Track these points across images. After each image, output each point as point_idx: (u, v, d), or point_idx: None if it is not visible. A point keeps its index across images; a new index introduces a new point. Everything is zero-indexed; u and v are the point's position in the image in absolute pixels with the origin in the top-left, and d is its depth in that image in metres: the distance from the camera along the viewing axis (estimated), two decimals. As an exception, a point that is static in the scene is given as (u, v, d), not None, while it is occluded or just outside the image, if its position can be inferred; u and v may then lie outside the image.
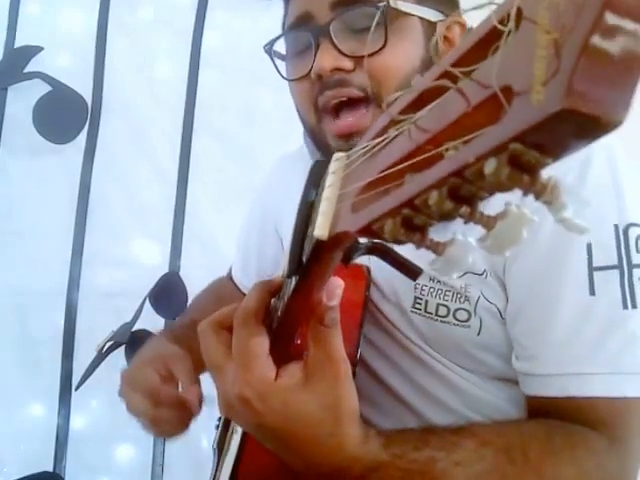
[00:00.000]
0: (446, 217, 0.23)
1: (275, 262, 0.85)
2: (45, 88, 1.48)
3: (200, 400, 0.64)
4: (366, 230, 0.27)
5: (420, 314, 0.61)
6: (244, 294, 0.94)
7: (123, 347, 1.43)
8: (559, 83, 0.18)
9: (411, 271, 0.39)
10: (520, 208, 0.21)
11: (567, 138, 0.19)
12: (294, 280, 0.40)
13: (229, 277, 0.96)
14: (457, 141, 0.22)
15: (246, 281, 0.91)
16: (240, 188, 1.44)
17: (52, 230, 1.49)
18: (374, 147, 0.30)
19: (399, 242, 0.26)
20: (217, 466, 0.77)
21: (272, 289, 0.46)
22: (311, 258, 0.37)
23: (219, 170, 1.51)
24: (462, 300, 0.59)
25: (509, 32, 0.21)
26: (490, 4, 0.23)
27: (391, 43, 0.60)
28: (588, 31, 0.17)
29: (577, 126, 0.18)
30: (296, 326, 0.44)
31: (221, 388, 0.43)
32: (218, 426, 0.87)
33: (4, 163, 1.51)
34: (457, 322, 0.60)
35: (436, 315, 0.60)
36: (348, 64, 0.60)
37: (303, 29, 0.63)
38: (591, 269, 0.53)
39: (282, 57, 0.69)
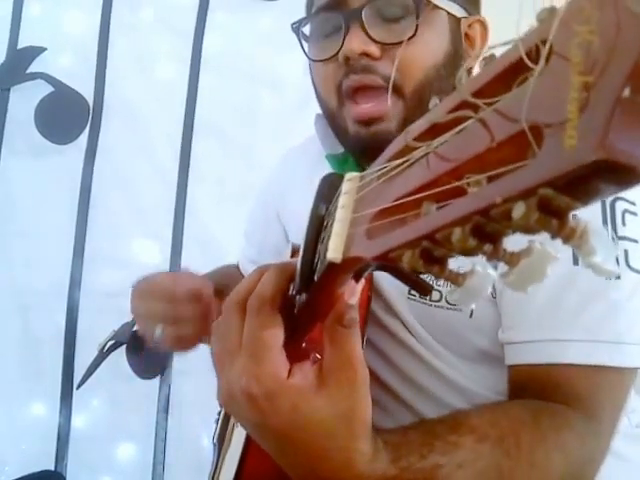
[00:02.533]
0: (468, 254, 0.23)
1: (277, 251, 0.86)
2: (47, 89, 1.49)
3: (213, 290, 0.62)
4: (383, 258, 0.27)
5: (415, 300, 0.62)
6: None
7: (124, 346, 1.44)
8: (594, 131, 0.17)
9: (422, 287, 0.38)
10: (544, 245, 0.21)
11: (600, 184, 0.18)
12: (304, 295, 0.39)
13: (236, 267, 0.97)
14: (480, 175, 0.22)
15: (250, 269, 0.92)
16: (240, 188, 1.45)
17: (53, 230, 1.50)
18: (390, 171, 0.29)
19: (417, 272, 0.25)
20: (217, 461, 0.77)
21: (290, 273, 0.43)
22: (322, 277, 0.36)
23: (219, 170, 1.52)
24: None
25: (536, 71, 0.20)
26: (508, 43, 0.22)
27: (420, 34, 0.61)
28: (624, 79, 0.17)
29: (611, 174, 0.18)
30: (303, 339, 0.43)
31: (225, 378, 0.39)
32: (218, 420, 0.88)
33: (6, 163, 1.51)
34: (450, 306, 0.60)
35: (430, 300, 0.61)
36: (376, 50, 0.61)
37: (335, 11, 0.64)
38: None
39: (307, 39, 0.71)
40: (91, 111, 1.51)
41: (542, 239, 0.21)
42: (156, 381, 1.46)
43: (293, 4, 1.64)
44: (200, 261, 1.48)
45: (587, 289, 0.54)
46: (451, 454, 0.44)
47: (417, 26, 0.60)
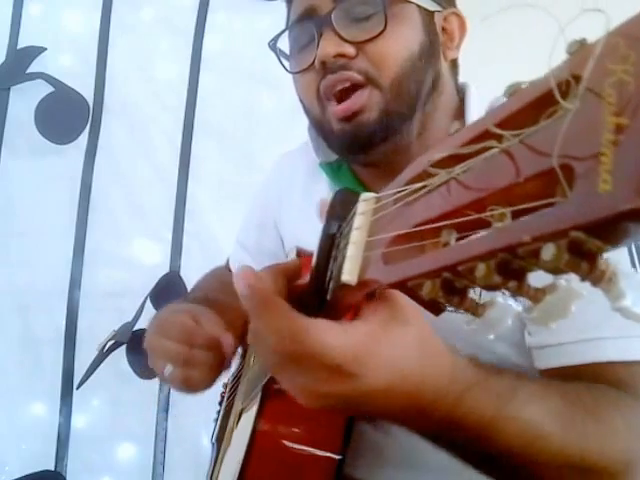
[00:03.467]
0: (491, 289, 0.22)
1: (273, 257, 0.86)
2: (47, 89, 1.49)
3: (233, 344, 0.61)
4: (400, 286, 0.27)
5: None
6: None
7: (124, 346, 1.44)
8: (629, 177, 0.17)
9: (435, 307, 0.39)
10: (569, 283, 0.21)
11: (632, 229, 0.18)
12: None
13: (227, 268, 0.97)
14: (505, 209, 0.21)
15: None
16: (240, 188, 1.44)
17: (53, 230, 1.50)
18: (407, 195, 0.29)
19: (436, 302, 0.25)
20: (216, 460, 0.77)
21: (288, 273, 0.42)
22: (334, 298, 0.36)
23: (219, 170, 1.52)
24: None
25: (570, 111, 0.19)
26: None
27: (390, 28, 0.62)
28: None
29: None
30: None
31: (299, 384, 0.37)
32: (217, 419, 0.88)
33: (6, 163, 1.51)
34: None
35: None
36: (350, 50, 0.62)
37: (306, 20, 0.66)
38: None
39: (285, 55, 0.72)
40: (91, 111, 1.51)
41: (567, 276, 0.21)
42: (156, 381, 1.46)
43: (293, 4, 1.63)
44: (200, 261, 1.48)
45: (621, 267, 0.55)
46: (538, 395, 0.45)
47: (386, 21, 0.62)
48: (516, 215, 0.21)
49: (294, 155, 0.87)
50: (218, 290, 0.87)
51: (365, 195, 0.35)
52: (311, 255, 0.41)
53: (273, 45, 0.71)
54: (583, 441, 0.45)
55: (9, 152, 1.52)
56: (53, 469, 1.47)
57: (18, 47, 1.53)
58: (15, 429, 1.48)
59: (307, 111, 0.71)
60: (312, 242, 0.83)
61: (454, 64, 0.71)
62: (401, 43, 0.63)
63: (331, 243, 0.39)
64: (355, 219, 0.34)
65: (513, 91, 0.24)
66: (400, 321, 0.37)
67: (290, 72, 0.70)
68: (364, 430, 0.63)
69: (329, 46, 0.62)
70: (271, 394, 0.54)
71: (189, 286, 1.48)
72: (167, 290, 1.48)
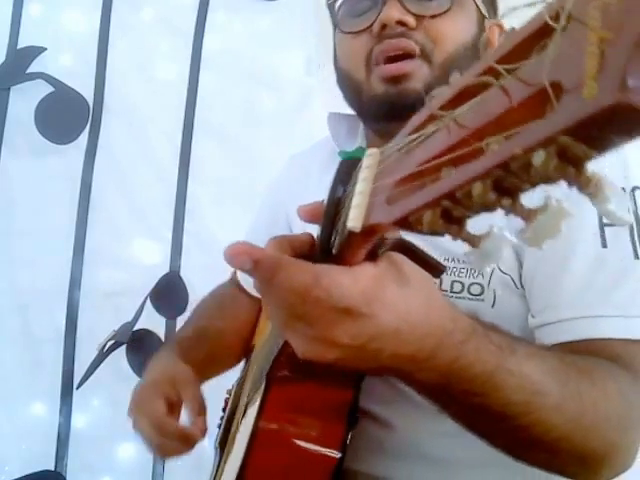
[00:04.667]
0: (487, 209, 0.24)
1: None
2: (47, 89, 1.49)
3: (204, 432, 0.66)
4: (403, 221, 0.28)
5: None
6: (248, 295, 0.94)
7: (124, 346, 1.44)
8: (612, 77, 0.18)
9: (434, 268, 0.39)
10: (559, 202, 0.22)
11: (616, 132, 0.19)
12: None
13: (232, 282, 0.97)
14: (499, 136, 0.23)
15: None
16: (240, 188, 1.45)
17: (53, 230, 1.50)
18: (410, 142, 0.30)
19: (436, 233, 0.26)
20: (218, 465, 0.77)
21: (293, 241, 0.43)
22: (340, 251, 0.37)
23: (219, 170, 1.52)
24: (475, 275, 0.62)
25: (557, 30, 0.21)
26: (533, 3, 0.23)
27: (453, 11, 0.65)
28: None
29: (628, 121, 0.18)
30: None
31: (311, 333, 0.38)
32: (220, 425, 0.88)
33: (6, 163, 1.51)
34: (471, 296, 0.62)
35: (451, 292, 0.62)
36: (412, 21, 0.65)
37: None
38: (602, 225, 0.57)
39: (337, 17, 0.73)
40: (91, 111, 1.51)
41: (558, 196, 0.22)
42: (156, 381, 1.46)
43: (293, 4, 1.66)
44: (200, 261, 1.48)
45: (617, 269, 0.57)
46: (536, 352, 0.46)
47: (452, 3, 0.65)
48: (510, 139, 0.23)
49: (305, 154, 0.88)
50: (214, 316, 0.90)
51: (371, 150, 0.36)
52: None
53: (331, 4, 0.72)
54: (578, 401, 0.46)
55: (9, 152, 1.52)
56: (53, 469, 1.47)
57: (18, 47, 1.53)
58: (15, 429, 1.48)
59: (346, 76, 0.71)
60: None
61: None
62: (459, 27, 0.67)
63: (337, 206, 0.39)
64: (360, 172, 0.35)
65: (510, 31, 0.25)
66: (404, 271, 0.38)
67: (343, 32, 0.71)
68: (365, 424, 0.64)
69: (393, 11, 0.64)
70: (276, 381, 0.55)
71: (189, 286, 1.48)
72: (167, 290, 1.48)
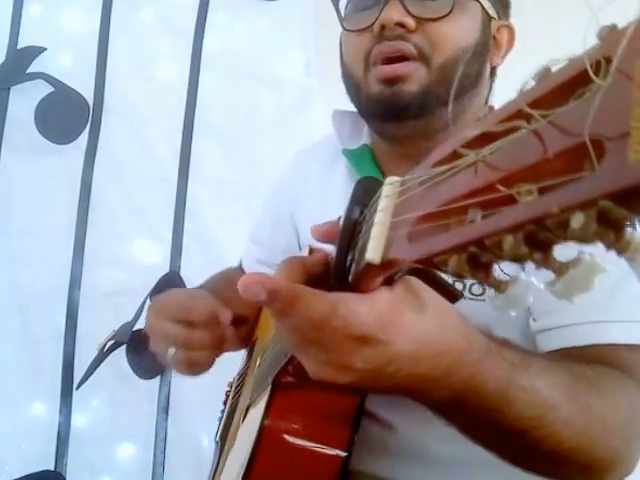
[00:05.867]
0: (518, 260, 0.23)
1: (287, 252, 0.87)
2: (47, 89, 1.49)
3: (230, 317, 0.62)
4: (426, 262, 0.27)
5: None
6: None
7: (124, 346, 1.44)
8: None
9: (451, 294, 0.38)
10: (593, 257, 0.22)
11: None
12: None
13: (238, 268, 0.97)
14: (531, 185, 0.22)
15: (257, 270, 0.92)
16: (240, 188, 1.45)
17: (53, 230, 1.50)
18: (434, 177, 0.29)
19: (461, 277, 0.25)
20: (219, 459, 0.77)
21: (306, 263, 0.42)
22: (357, 279, 0.36)
23: (219, 170, 1.52)
24: None
25: (601, 85, 0.20)
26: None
27: (454, 15, 0.65)
28: None
29: None
30: None
31: (326, 358, 0.37)
32: (221, 418, 0.88)
33: (6, 163, 1.51)
34: (472, 296, 0.62)
35: None
36: (411, 23, 0.65)
37: None
38: None
39: (341, 16, 0.73)
40: (91, 111, 1.51)
41: (590, 250, 0.22)
42: (156, 381, 1.46)
43: (293, 4, 1.66)
44: (200, 261, 1.48)
45: (620, 274, 0.56)
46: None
47: (453, 7, 0.64)
48: (543, 192, 0.22)
49: (309, 152, 0.88)
50: (224, 287, 0.88)
51: (391, 179, 0.36)
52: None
53: (336, 1, 0.73)
54: (587, 413, 0.46)
55: (9, 152, 1.52)
56: (53, 469, 1.47)
57: (18, 47, 1.53)
58: (15, 429, 1.48)
59: (348, 73, 0.72)
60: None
61: (493, 72, 0.73)
62: (461, 31, 0.66)
63: (353, 228, 0.39)
64: (380, 202, 0.34)
65: (543, 73, 0.24)
66: (421, 296, 0.38)
67: (345, 29, 0.71)
68: (369, 426, 0.64)
69: (393, 13, 0.64)
70: (281, 387, 0.55)
71: (189, 286, 1.47)
72: (167, 290, 1.47)
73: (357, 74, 0.69)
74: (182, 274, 1.51)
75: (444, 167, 0.28)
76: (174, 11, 1.55)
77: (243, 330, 0.88)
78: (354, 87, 0.71)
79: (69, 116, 1.49)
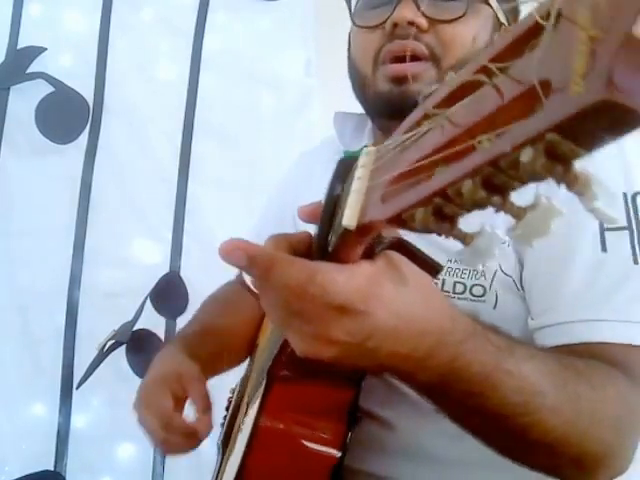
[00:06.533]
0: (478, 206, 0.24)
1: None
2: (47, 88, 1.49)
3: (209, 430, 0.66)
4: (396, 219, 0.28)
5: None
6: (254, 293, 0.94)
7: (124, 346, 1.44)
8: (599, 75, 0.18)
9: (431, 267, 0.39)
10: (550, 200, 0.22)
11: (603, 130, 0.19)
12: None
13: (238, 280, 0.97)
14: (490, 134, 0.23)
15: None
16: (240, 188, 1.45)
17: (53, 229, 1.50)
18: (405, 141, 0.30)
19: (428, 231, 0.26)
20: (220, 463, 0.77)
21: (292, 238, 0.43)
22: (336, 249, 0.37)
23: (219, 170, 1.52)
24: (478, 276, 0.62)
25: (547, 28, 0.21)
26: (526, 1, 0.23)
27: (467, 17, 0.65)
28: (628, 25, 0.18)
29: (614, 118, 0.18)
30: None
31: (309, 330, 0.38)
32: (223, 424, 0.88)
33: (6, 162, 1.51)
34: (474, 298, 0.62)
35: (453, 293, 0.62)
36: (424, 23, 0.64)
37: None
38: (602, 229, 0.57)
39: (352, 8, 0.72)
40: (91, 111, 1.51)
41: (548, 194, 0.23)
42: (156, 381, 1.46)
43: (293, 4, 1.66)
44: (200, 261, 1.48)
45: (616, 273, 0.57)
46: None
47: (466, 9, 0.64)
48: (500, 136, 0.23)
49: (313, 153, 0.89)
50: (220, 313, 0.90)
51: (367, 149, 0.36)
52: None
53: None
54: (575, 403, 0.46)
55: (9, 152, 1.52)
56: (53, 469, 1.47)
57: (18, 47, 1.53)
58: (15, 429, 1.48)
59: (356, 70, 0.71)
60: None
61: None
62: (472, 34, 0.65)
63: (334, 204, 0.40)
64: (356, 171, 0.35)
65: (504, 31, 0.26)
66: (401, 270, 0.38)
67: (356, 25, 0.71)
68: (366, 424, 0.64)
69: (406, 12, 0.64)
70: (276, 380, 0.55)
71: (189, 286, 1.49)
72: (167, 290, 1.48)
73: (365, 71, 0.69)
74: (182, 274, 1.51)
75: (413, 132, 0.29)
76: (174, 11, 1.55)
77: (247, 341, 0.90)
78: (360, 84, 0.71)
79: (69, 116, 1.49)
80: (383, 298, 0.37)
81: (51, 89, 1.49)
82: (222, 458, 0.78)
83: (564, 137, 0.20)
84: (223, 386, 0.94)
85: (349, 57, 0.73)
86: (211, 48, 1.54)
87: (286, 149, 0.94)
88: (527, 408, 0.43)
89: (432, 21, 0.65)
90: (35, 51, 1.50)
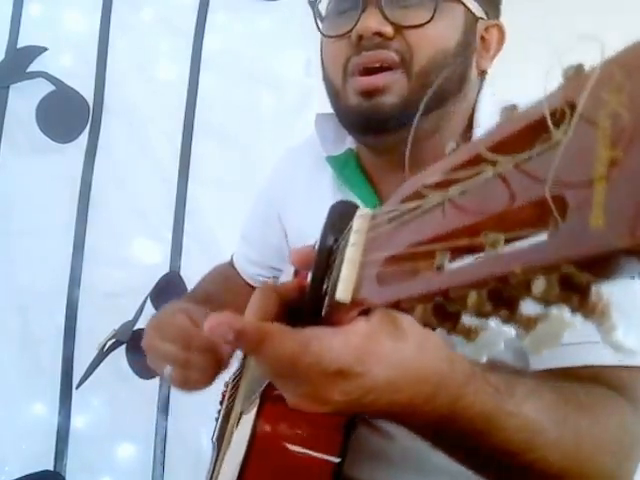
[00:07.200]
0: (483, 317, 0.22)
1: (278, 252, 0.86)
2: (47, 88, 1.49)
3: (231, 350, 0.60)
4: (394, 306, 0.27)
5: None
6: (247, 283, 0.93)
7: (124, 346, 1.44)
8: (622, 215, 0.16)
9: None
10: (561, 312, 0.21)
11: (625, 266, 0.18)
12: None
13: (231, 264, 0.97)
14: (499, 235, 0.21)
15: (249, 270, 0.92)
16: (240, 188, 1.45)
17: (53, 229, 1.50)
18: (402, 214, 0.28)
19: (429, 326, 0.25)
20: (216, 460, 0.77)
21: (281, 291, 0.42)
22: (329, 314, 0.36)
23: (219, 170, 1.52)
24: None
25: (556, 135, 0.20)
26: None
27: (435, 21, 0.62)
28: None
29: (638, 259, 0.17)
30: None
31: (303, 391, 0.37)
32: (217, 418, 0.88)
33: (5, 160, 1.51)
34: None
35: None
36: (390, 31, 0.62)
37: None
38: None
39: (321, 17, 0.71)
40: (91, 111, 1.51)
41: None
42: (156, 381, 1.46)
43: (293, 4, 1.66)
44: (200, 261, 1.48)
45: (616, 295, 0.55)
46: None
47: (434, 13, 0.61)
48: (509, 241, 0.21)
49: (299, 150, 0.86)
50: (220, 288, 0.88)
51: (361, 211, 0.35)
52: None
53: (313, 3, 0.70)
54: (577, 437, 0.46)
55: (9, 150, 1.52)
56: (52, 469, 1.47)
57: (18, 47, 1.53)
58: (15, 429, 1.48)
59: (328, 80, 0.69)
60: (314, 236, 0.82)
61: (483, 75, 0.70)
62: (440, 37, 0.63)
63: (328, 256, 0.39)
64: (351, 236, 0.34)
65: (507, 114, 0.23)
66: (398, 323, 0.37)
67: (323, 35, 0.68)
68: (367, 434, 0.63)
69: (371, 22, 0.61)
70: (270, 398, 0.54)
71: (189, 286, 1.48)
72: (167, 290, 1.48)
73: (336, 82, 0.67)
74: (182, 274, 1.51)
75: (412, 204, 0.27)
76: (174, 11, 1.55)
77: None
78: (334, 95, 0.69)
79: (69, 115, 1.49)
80: (381, 356, 0.36)
81: (51, 88, 1.49)
82: (217, 456, 0.78)
83: (581, 269, 0.18)
84: (221, 381, 0.94)
85: (322, 65, 0.70)
86: (211, 48, 1.54)
87: (284, 149, 0.94)
88: (529, 445, 0.43)
89: (398, 28, 0.62)
90: (35, 51, 1.50)
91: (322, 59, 0.70)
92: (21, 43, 1.52)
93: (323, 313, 0.37)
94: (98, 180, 1.52)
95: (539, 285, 0.19)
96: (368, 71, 0.63)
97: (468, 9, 0.65)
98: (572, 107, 0.20)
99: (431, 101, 0.62)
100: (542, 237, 0.20)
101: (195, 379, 0.61)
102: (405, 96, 0.62)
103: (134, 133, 1.53)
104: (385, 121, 0.63)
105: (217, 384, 0.91)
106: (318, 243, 0.40)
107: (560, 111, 0.20)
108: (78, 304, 1.50)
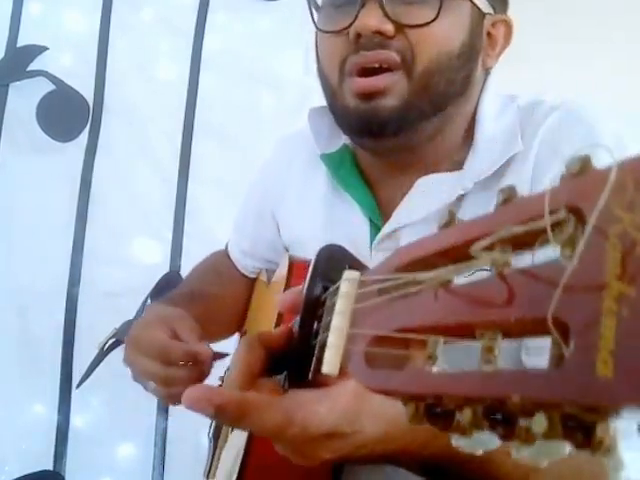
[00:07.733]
0: (479, 430, 0.21)
1: (271, 245, 0.85)
2: (47, 86, 1.49)
3: (211, 356, 0.60)
4: (384, 394, 0.26)
5: None
6: (241, 273, 0.92)
7: (124, 346, 1.44)
8: (632, 369, 0.15)
9: None
10: None
11: (635, 411, 0.16)
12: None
13: (226, 254, 0.96)
14: (495, 333, 0.20)
15: (243, 261, 0.91)
16: (240, 188, 1.44)
17: (53, 228, 1.50)
18: (392, 288, 0.27)
19: (421, 424, 0.23)
20: (213, 455, 0.77)
21: (268, 342, 0.40)
22: (316, 378, 0.35)
23: (219, 170, 1.52)
24: None
25: (569, 267, 0.17)
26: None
27: (440, 19, 0.58)
28: None
29: None
30: None
31: (295, 449, 0.37)
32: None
33: (5, 159, 1.51)
34: None
35: None
36: (390, 30, 0.57)
37: None
38: None
39: (317, 7, 0.67)
40: (91, 111, 1.51)
41: None
42: (156, 381, 1.46)
43: (293, 4, 1.66)
44: (200, 261, 1.48)
45: None
46: None
47: (439, 12, 0.57)
48: (507, 336, 0.20)
49: (294, 140, 0.83)
50: (209, 284, 0.87)
51: (348, 274, 0.33)
52: (303, 262, 0.40)
53: None
54: (578, 472, 0.45)
55: (8, 149, 1.52)
56: (52, 469, 1.47)
57: (18, 46, 1.53)
58: (14, 429, 1.48)
59: (323, 77, 0.65)
60: (307, 236, 0.80)
61: (487, 73, 0.67)
62: (445, 37, 0.59)
63: (315, 305, 0.38)
64: (337, 301, 0.32)
65: (505, 197, 0.22)
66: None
67: (318, 28, 0.63)
68: None
69: (371, 19, 0.57)
70: None
71: (189, 286, 1.48)
72: (167, 290, 1.46)
73: (332, 81, 0.63)
74: (182, 274, 1.50)
75: (403, 278, 0.26)
76: (174, 11, 1.55)
77: (236, 314, 0.87)
78: (329, 93, 0.65)
79: (70, 114, 1.50)
80: (370, 412, 0.36)
81: (51, 88, 1.49)
82: (214, 450, 0.78)
83: (585, 410, 0.16)
84: (212, 374, 0.94)
85: (317, 61, 0.66)
86: (211, 48, 1.54)
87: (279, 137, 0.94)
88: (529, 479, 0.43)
89: (399, 26, 0.57)
90: (36, 50, 1.50)
91: (317, 53, 0.66)
92: (21, 42, 1.52)
93: (310, 377, 0.36)
94: (98, 179, 1.52)
95: (540, 422, 0.18)
96: (366, 71, 0.59)
97: (474, 4, 0.61)
98: (576, 213, 0.18)
99: (430, 106, 0.60)
100: (544, 359, 0.18)
101: (179, 393, 0.62)
102: (405, 99, 0.59)
103: (134, 133, 1.53)
104: (384, 124, 0.60)
105: (211, 380, 0.91)
106: (305, 291, 0.38)
107: (561, 215, 0.18)
108: (78, 303, 1.49)
